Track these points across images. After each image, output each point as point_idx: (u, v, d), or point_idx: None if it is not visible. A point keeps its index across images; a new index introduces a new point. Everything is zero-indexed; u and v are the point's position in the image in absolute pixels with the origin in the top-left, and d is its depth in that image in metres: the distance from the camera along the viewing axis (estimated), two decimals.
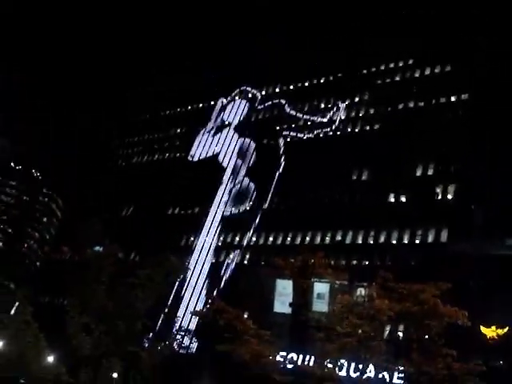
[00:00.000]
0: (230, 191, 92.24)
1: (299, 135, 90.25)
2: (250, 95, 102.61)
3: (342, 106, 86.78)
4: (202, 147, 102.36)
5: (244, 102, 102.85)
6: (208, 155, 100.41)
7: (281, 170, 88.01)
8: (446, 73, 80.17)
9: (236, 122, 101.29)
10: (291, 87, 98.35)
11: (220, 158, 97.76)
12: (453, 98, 77.41)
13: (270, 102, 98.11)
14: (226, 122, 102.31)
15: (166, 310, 78.52)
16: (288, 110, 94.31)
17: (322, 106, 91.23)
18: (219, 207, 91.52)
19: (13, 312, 40.45)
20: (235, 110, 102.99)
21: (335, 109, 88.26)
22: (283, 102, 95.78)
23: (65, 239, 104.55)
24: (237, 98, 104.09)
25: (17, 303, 39.34)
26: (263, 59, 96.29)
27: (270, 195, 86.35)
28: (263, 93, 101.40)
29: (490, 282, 56.49)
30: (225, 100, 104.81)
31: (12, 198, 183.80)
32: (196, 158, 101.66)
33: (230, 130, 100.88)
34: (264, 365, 34.20)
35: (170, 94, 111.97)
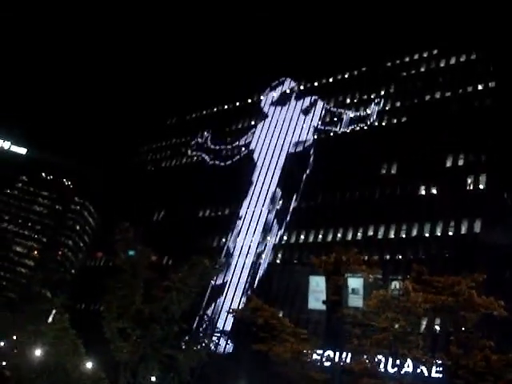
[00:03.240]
0: (262, 190, 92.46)
1: (332, 129, 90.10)
2: (287, 87, 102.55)
3: (376, 101, 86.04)
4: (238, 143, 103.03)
5: (280, 94, 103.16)
6: (243, 152, 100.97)
7: (311, 166, 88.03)
8: (472, 61, 79.41)
9: (271, 116, 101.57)
10: (321, 82, 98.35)
11: (255, 155, 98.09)
12: (480, 87, 76.60)
13: (303, 98, 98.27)
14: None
15: (202, 312, 78.98)
16: (321, 104, 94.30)
17: (355, 100, 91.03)
18: (250, 207, 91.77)
19: (50, 320, 41.00)
20: (272, 104, 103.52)
21: (369, 104, 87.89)
22: (316, 97, 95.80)
23: (98, 246, 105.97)
24: (273, 93, 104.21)
25: (54, 311, 39.85)
26: (288, 55, 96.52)
27: (300, 192, 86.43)
28: (297, 88, 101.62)
29: None
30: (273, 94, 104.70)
31: (45, 207, 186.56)
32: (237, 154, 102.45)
33: (264, 126, 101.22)
34: (302, 363, 34.25)
35: (196, 96, 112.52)
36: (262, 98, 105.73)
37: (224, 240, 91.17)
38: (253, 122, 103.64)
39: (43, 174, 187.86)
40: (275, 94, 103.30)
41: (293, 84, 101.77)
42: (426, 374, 39.47)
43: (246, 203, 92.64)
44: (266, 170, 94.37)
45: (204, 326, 74.47)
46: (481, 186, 69.25)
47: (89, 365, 36.00)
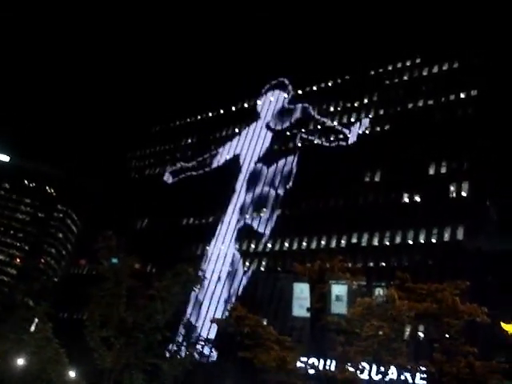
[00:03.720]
0: (246, 197, 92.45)
1: (316, 138, 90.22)
2: (271, 96, 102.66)
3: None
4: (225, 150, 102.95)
5: (264, 102, 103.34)
6: (227, 160, 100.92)
7: (295, 174, 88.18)
8: (454, 70, 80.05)
9: (255, 124, 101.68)
10: (304, 90, 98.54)
11: (239, 163, 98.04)
12: (462, 95, 77.22)
13: (287, 106, 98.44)
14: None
15: (186, 320, 78.65)
16: (306, 112, 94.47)
17: (338, 108, 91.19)
18: (234, 214, 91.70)
19: (33, 329, 40.62)
20: (257, 111, 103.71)
21: (353, 113, 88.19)
22: (300, 105, 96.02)
23: (81, 254, 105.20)
24: (258, 100, 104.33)
25: (36, 320, 39.50)
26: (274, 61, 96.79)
27: (284, 200, 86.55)
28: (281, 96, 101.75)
29: (509, 278, 56.10)
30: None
31: (27, 215, 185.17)
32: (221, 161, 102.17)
33: (248, 133, 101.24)
34: (287, 371, 34.15)
35: (180, 103, 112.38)
36: (246, 105, 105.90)
37: (208, 248, 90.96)
38: (237, 130, 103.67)
39: (26, 182, 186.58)
40: (259, 102, 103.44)
41: (277, 92, 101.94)
42: (411, 381, 39.62)
43: (229, 211, 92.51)
44: (249, 177, 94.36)
45: (188, 334, 74.20)
46: (463, 194, 69.71)
47: (72, 373, 35.69)
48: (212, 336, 74.99)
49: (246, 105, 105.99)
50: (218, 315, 76.93)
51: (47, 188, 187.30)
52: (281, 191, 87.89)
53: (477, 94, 75.59)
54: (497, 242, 61.93)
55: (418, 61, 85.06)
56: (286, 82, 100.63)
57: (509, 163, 69.63)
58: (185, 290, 32.27)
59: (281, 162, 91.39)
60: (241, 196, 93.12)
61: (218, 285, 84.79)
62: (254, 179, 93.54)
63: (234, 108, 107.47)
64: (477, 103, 74.78)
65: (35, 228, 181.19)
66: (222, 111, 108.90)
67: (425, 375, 37.72)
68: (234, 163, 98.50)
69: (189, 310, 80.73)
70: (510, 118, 71.38)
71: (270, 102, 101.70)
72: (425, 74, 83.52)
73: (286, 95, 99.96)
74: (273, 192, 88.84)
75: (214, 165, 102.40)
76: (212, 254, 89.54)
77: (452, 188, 70.71)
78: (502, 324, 54.50)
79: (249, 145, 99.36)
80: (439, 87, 79.48)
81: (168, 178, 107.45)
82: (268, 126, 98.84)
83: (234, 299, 79.28)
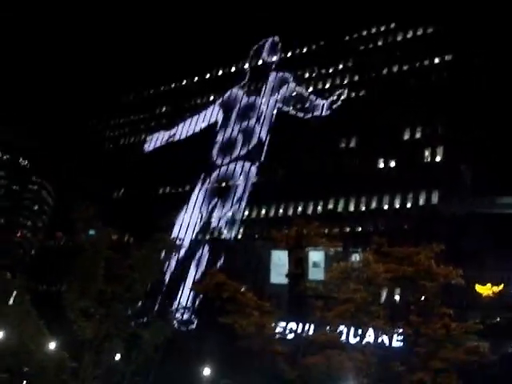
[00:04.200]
0: (221, 166, 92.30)
1: (291, 105, 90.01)
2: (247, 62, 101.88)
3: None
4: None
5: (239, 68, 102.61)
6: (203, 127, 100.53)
7: (270, 140, 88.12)
8: (429, 35, 79.94)
9: (230, 92, 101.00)
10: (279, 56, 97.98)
11: (215, 130, 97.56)
12: (436, 60, 77.32)
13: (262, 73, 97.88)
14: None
15: (165, 289, 78.90)
16: (281, 78, 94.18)
17: (313, 75, 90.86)
18: (210, 183, 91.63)
19: (11, 302, 40.43)
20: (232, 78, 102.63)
21: (328, 78, 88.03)
22: (275, 73, 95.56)
23: (58, 225, 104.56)
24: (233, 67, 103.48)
25: (14, 292, 39.30)
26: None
27: (260, 166, 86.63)
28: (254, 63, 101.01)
29: (483, 241, 57.01)
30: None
31: (1, 188, 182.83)
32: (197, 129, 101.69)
33: (224, 101, 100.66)
34: (266, 336, 34.50)
35: (153, 71, 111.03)
36: (221, 72, 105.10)
37: (185, 216, 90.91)
38: (212, 98, 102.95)
39: None
40: (234, 68, 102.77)
41: (254, 58, 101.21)
42: (387, 343, 40.23)
43: (206, 179, 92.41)
44: (226, 144, 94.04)
45: (167, 303, 74.53)
46: (438, 159, 70.30)
47: (52, 345, 35.67)
48: (191, 304, 75.43)
49: (221, 72, 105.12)
50: (198, 283, 77.24)
51: (20, 160, 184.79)
52: (257, 158, 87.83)
53: (451, 59, 75.70)
54: (471, 206, 62.84)
55: (392, 26, 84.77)
56: (271, 44, 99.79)
57: (483, 128, 70.27)
58: (163, 258, 32.36)
59: (256, 129, 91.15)
60: (217, 164, 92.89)
61: (196, 253, 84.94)
62: (229, 147, 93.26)
63: (209, 75, 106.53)
64: (452, 68, 74.96)
65: (9, 201, 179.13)
66: (196, 78, 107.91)
67: (401, 337, 38.31)
68: (211, 131, 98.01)
69: (169, 280, 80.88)
70: (485, 83, 71.83)
71: (247, 69, 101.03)
72: (399, 39, 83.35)
73: (264, 59, 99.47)
74: (250, 159, 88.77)
75: (190, 133, 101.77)
76: (190, 221, 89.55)
77: (427, 153, 71.24)
78: (477, 286, 55.71)
79: (224, 113, 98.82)
80: (414, 52, 79.43)
81: (146, 147, 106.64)
82: (243, 94, 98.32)
83: (212, 267, 79.60)
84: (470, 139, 69.95)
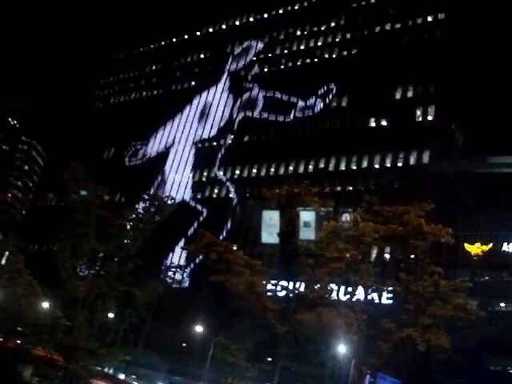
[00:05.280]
0: (213, 123, 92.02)
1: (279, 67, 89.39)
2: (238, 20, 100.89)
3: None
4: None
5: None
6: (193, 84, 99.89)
7: (261, 98, 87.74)
8: None
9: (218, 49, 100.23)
10: (270, 14, 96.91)
11: (205, 87, 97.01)
12: (429, 19, 76.61)
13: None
14: None
15: (157, 248, 79.24)
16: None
17: (305, 33, 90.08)
18: (201, 141, 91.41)
19: (3, 262, 40.52)
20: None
21: (319, 37, 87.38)
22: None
23: (49, 185, 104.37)
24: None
25: (7, 253, 39.35)
26: None
27: (250, 127, 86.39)
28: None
29: (473, 201, 57.39)
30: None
31: None
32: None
33: (214, 58, 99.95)
34: (257, 294, 34.84)
35: (143, 29, 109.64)
36: (210, 30, 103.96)
37: (176, 175, 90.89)
38: (202, 56, 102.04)
39: None
40: (224, 26, 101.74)
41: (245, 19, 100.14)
42: (377, 300, 40.71)
43: (197, 137, 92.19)
44: (217, 102, 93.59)
45: (160, 262, 74.91)
46: (429, 118, 70.21)
47: (45, 304, 35.92)
48: (184, 263, 75.92)
49: (210, 30, 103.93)
50: (189, 243, 77.62)
51: (10, 120, 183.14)
52: (249, 117, 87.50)
53: (444, 18, 75.03)
54: (462, 166, 63.07)
55: None
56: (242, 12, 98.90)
57: (475, 87, 70.10)
58: (156, 217, 32.42)
59: (248, 87, 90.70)
60: (208, 121, 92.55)
61: (188, 212, 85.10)
62: (222, 104, 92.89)
63: (198, 33, 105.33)
64: (444, 26, 74.34)
65: None
66: (186, 37, 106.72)
67: (391, 295, 38.81)
68: (200, 88, 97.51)
69: (161, 239, 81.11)
70: (477, 42, 71.39)
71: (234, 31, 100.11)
72: None
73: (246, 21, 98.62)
74: (241, 118, 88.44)
75: (181, 89, 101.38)
76: (181, 181, 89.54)
77: (418, 112, 71.12)
78: (466, 245, 56.25)
79: (212, 68, 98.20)
80: (407, 10, 78.63)
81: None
82: (228, 56, 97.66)
83: (204, 227, 79.89)
84: (461, 99, 69.82)
